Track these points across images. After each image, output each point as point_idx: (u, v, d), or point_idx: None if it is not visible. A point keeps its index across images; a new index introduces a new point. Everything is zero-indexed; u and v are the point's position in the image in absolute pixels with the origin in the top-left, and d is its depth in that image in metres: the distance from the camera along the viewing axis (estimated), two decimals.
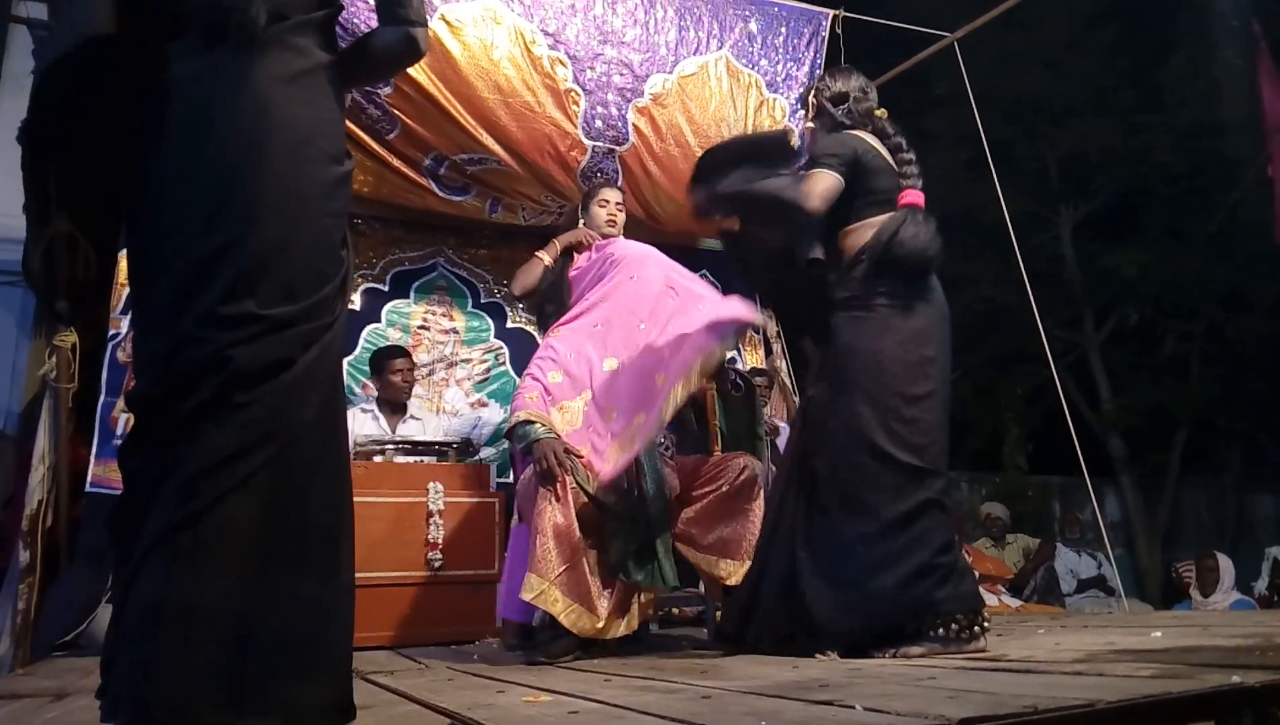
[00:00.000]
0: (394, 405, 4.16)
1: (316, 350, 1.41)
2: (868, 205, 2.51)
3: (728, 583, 2.79)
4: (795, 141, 2.79)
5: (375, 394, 4.21)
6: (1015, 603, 5.66)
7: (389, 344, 4.41)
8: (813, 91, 2.73)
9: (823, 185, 2.43)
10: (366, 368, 4.33)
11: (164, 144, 1.40)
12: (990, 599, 5.52)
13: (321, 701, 1.34)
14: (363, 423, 4.06)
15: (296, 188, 1.42)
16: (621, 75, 4.12)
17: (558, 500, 2.59)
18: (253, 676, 1.28)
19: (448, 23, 3.77)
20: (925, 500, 2.34)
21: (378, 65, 1.73)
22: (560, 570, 2.56)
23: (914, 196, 2.52)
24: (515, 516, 3.18)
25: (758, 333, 5.32)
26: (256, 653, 1.28)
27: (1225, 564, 5.85)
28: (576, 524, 2.60)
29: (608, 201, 3.30)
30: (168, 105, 1.40)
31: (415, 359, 4.43)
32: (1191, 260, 9.70)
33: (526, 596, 2.54)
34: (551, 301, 3.18)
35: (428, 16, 3.67)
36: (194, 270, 1.35)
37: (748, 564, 2.72)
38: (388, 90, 3.81)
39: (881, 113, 2.67)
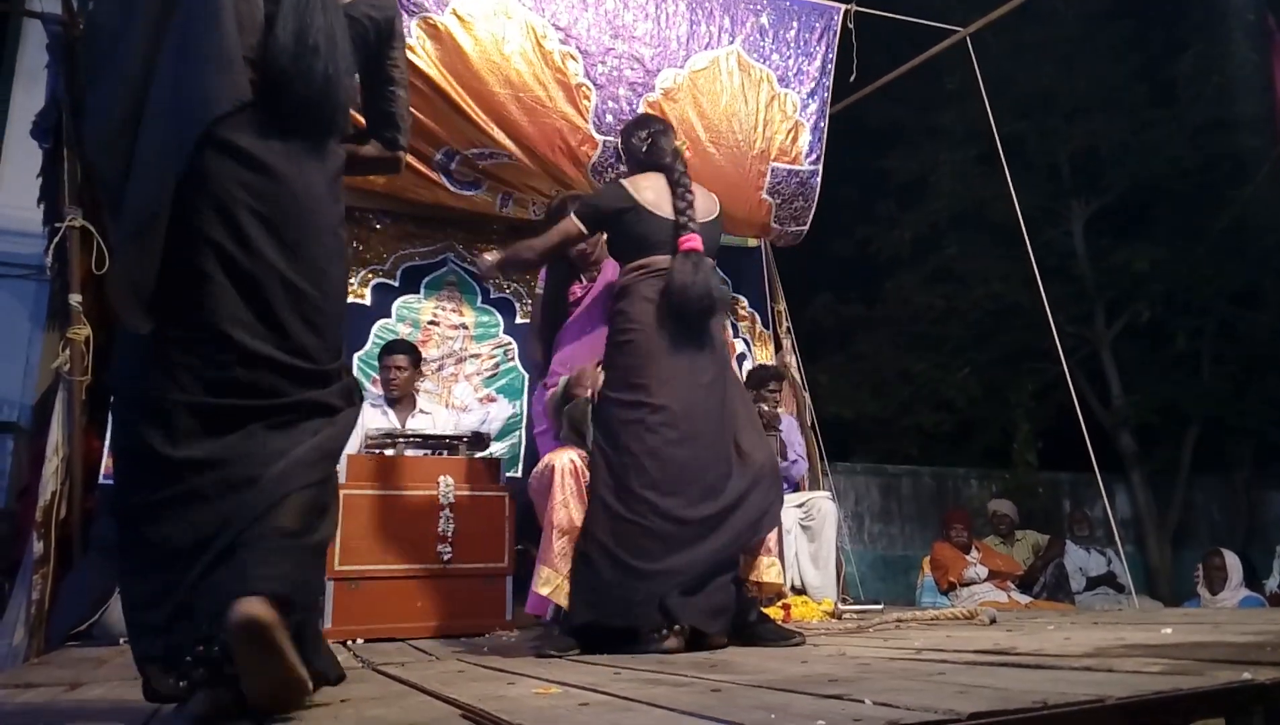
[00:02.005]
0: (391, 400, 4.17)
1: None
2: (634, 249, 2.78)
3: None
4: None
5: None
6: (1025, 599, 5.66)
7: (395, 338, 4.43)
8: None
9: (541, 240, 2.94)
10: (375, 363, 4.35)
11: (227, 199, 1.55)
12: (1000, 595, 5.53)
13: None
14: (373, 417, 4.08)
15: (325, 268, 1.65)
16: (633, 70, 4.12)
17: (572, 492, 2.62)
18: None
19: (459, 17, 3.77)
20: None
21: (362, 169, 2.00)
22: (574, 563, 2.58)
23: (692, 242, 2.69)
24: None
25: (768, 328, 5.33)
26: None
27: (1233, 561, 5.84)
28: (590, 517, 2.62)
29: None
30: (233, 171, 1.55)
31: (425, 354, 4.44)
32: (1204, 256, 9.65)
33: (543, 590, 2.55)
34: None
35: (441, 10, 3.72)
36: (251, 322, 1.55)
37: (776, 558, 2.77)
38: None
39: (683, 147, 2.92)
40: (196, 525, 1.48)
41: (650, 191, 2.79)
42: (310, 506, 1.54)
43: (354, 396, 1.73)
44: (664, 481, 2.53)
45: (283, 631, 1.38)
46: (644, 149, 2.89)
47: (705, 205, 2.85)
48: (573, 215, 2.86)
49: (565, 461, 2.69)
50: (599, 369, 2.79)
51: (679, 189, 2.77)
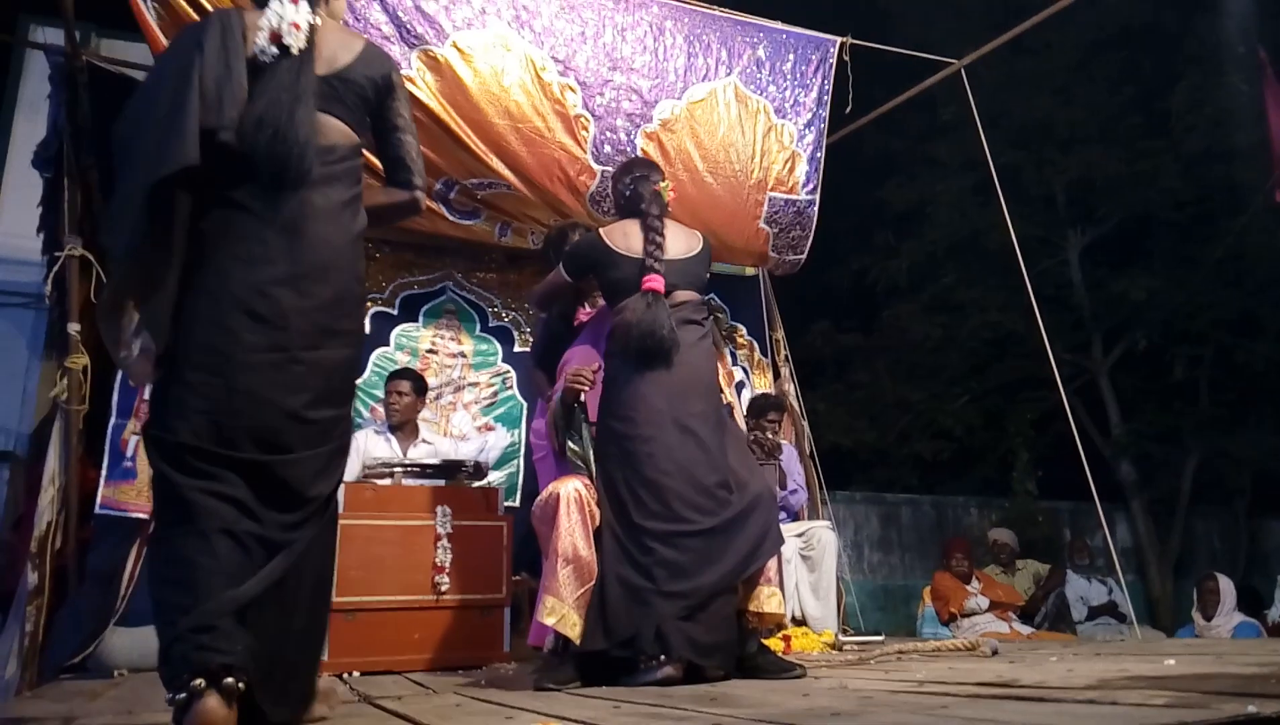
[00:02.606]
0: (393, 427, 4.16)
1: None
2: (612, 293, 2.90)
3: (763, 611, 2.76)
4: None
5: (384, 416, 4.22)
6: (1026, 630, 5.62)
7: (400, 367, 4.43)
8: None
9: (540, 285, 3.24)
10: (373, 391, 4.34)
11: (226, 257, 1.80)
12: (1001, 626, 5.48)
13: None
14: (375, 444, 4.06)
15: (333, 297, 1.86)
16: (630, 101, 4.16)
17: (577, 522, 2.61)
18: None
19: (459, 50, 3.81)
20: None
21: (385, 217, 2.20)
22: (580, 592, 2.56)
23: (652, 282, 2.77)
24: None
25: (766, 356, 5.33)
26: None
27: (1225, 585, 5.79)
28: (594, 545, 2.61)
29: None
30: (233, 226, 1.82)
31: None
32: (1200, 285, 9.69)
33: (548, 620, 2.53)
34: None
35: (441, 43, 3.75)
36: (258, 367, 1.76)
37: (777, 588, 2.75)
38: None
39: (666, 190, 3.02)
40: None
41: (625, 237, 2.90)
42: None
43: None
44: (662, 512, 2.57)
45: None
46: (626, 194, 3.02)
47: (682, 243, 2.93)
48: (560, 266, 3.07)
49: (570, 490, 2.68)
50: (596, 371, 2.87)
51: (650, 232, 2.87)
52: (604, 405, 2.79)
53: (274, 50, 1.88)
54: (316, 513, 1.80)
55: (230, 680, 1.56)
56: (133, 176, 1.80)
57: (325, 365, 1.83)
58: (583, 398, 2.88)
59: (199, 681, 1.53)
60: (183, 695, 1.54)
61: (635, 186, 2.99)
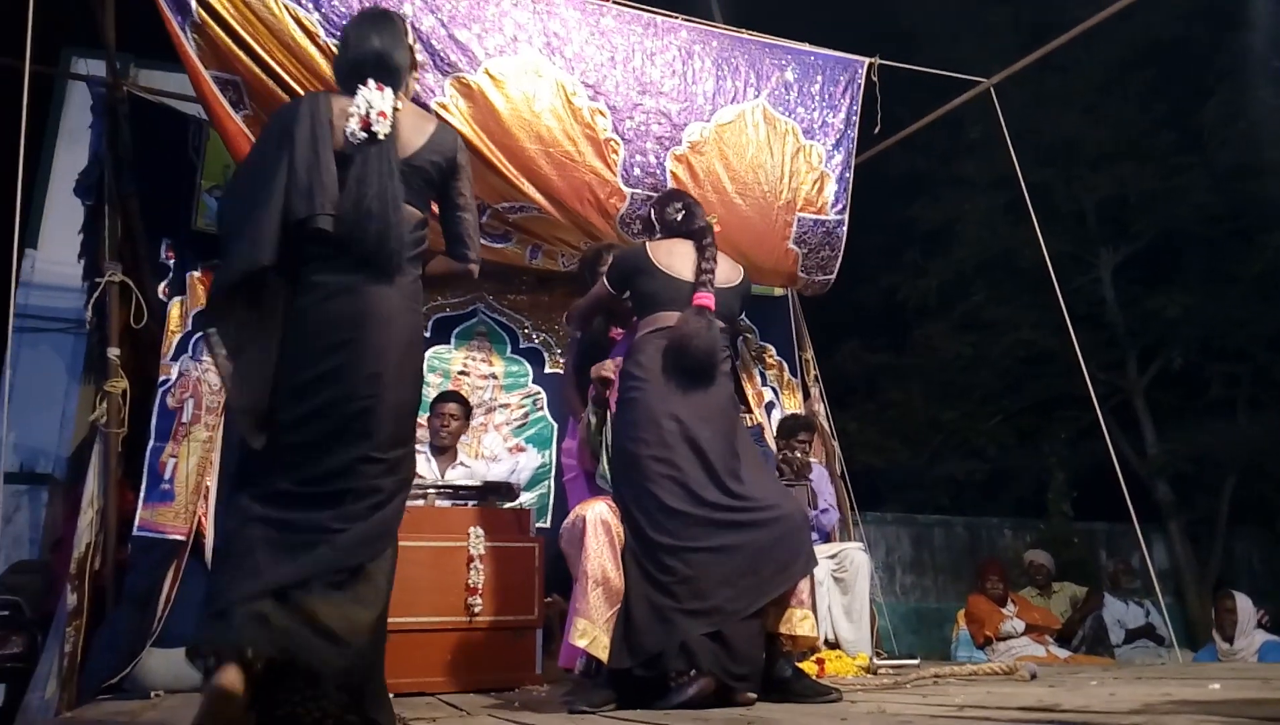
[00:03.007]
0: (437, 448, 4.19)
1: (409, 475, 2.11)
2: (646, 306, 2.92)
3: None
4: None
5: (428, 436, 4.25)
6: (1064, 654, 5.52)
7: (448, 389, 4.47)
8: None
9: (582, 300, 3.27)
10: None
11: (317, 326, 2.00)
12: (1037, 649, 5.40)
13: None
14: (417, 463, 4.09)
15: (405, 372, 2.07)
16: (660, 124, 4.18)
17: (604, 543, 2.61)
18: None
19: (492, 76, 3.85)
20: None
21: (443, 284, 2.66)
22: (609, 614, 2.56)
23: (703, 298, 2.82)
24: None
25: (795, 376, 5.31)
26: None
27: (1243, 603, 5.60)
28: (623, 566, 2.61)
29: None
30: (324, 302, 2.01)
31: None
32: (1236, 302, 9.55)
33: (580, 643, 2.52)
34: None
35: (474, 70, 3.80)
36: (345, 420, 1.97)
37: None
38: None
39: (713, 222, 3.06)
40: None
41: (669, 256, 2.93)
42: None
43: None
44: (675, 529, 2.57)
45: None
46: (679, 217, 3.05)
47: (725, 272, 2.97)
48: (603, 278, 3.08)
49: (596, 513, 2.68)
50: (617, 367, 2.92)
51: (706, 252, 2.92)
52: (619, 426, 2.82)
53: (363, 135, 2.03)
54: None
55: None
56: (226, 264, 2.06)
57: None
58: (608, 393, 2.93)
59: None
60: None
61: (689, 210, 3.05)
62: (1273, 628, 5.70)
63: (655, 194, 4.19)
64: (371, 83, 2.08)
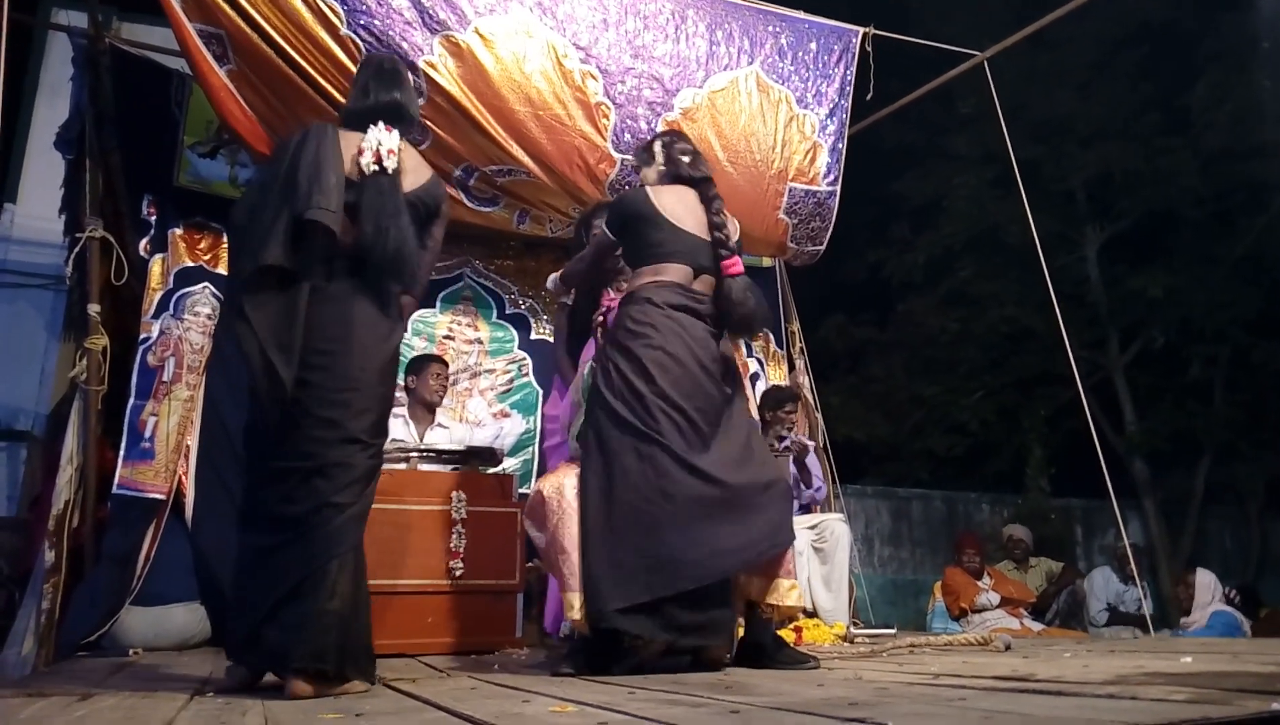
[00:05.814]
0: (427, 407, 4.17)
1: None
2: (647, 255, 2.78)
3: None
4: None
5: (407, 398, 4.21)
6: (1038, 626, 5.61)
7: (430, 352, 4.45)
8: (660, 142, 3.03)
9: (581, 254, 3.19)
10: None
11: (318, 324, 2.25)
12: (1012, 622, 5.47)
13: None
14: (393, 427, 4.07)
15: (379, 365, 2.33)
16: (652, 89, 4.14)
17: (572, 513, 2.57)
18: None
19: (481, 36, 3.80)
20: None
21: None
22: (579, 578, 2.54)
23: (734, 266, 2.75)
24: None
25: (781, 348, 5.32)
26: None
27: (1204, 578, 5.60)
28: (583, 525, 2.56)
29: None
30: (323, 302, 2.26)
31: None
32: (1218, 284, 9.62)
33: (575, 616, 2.46)
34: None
35: (463, 29, 3.75)
36: (331, 405, 2.23)
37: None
38: (421, 101, 3.83)
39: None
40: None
41: (674, 203, 2.79)
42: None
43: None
44: (647, 491, 2.50)
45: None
46: (687, 160, 2.91)
47: (732, 228, 2.86)
48: (602, 226, 2.98)
49: (553, 487, 2.63)
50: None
51: (714, 206, 2.80)
52: (596, 394, 2.69)
53: (375, 168, 2.32)
54: None
55: None
56: (237, 264, 2.38)
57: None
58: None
59: None
60: None
61: (696, 157, 2.92)
62: (1242, 605, 5.78)
63: None
64: (381, 124, 2.37)
